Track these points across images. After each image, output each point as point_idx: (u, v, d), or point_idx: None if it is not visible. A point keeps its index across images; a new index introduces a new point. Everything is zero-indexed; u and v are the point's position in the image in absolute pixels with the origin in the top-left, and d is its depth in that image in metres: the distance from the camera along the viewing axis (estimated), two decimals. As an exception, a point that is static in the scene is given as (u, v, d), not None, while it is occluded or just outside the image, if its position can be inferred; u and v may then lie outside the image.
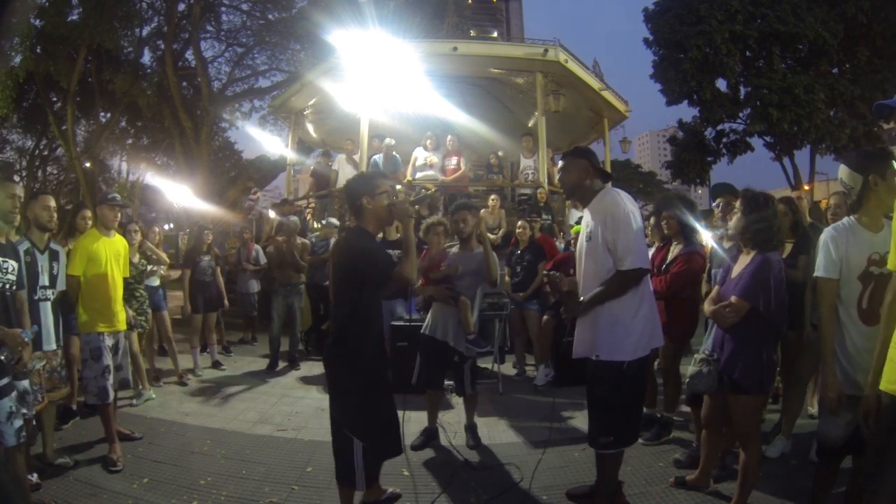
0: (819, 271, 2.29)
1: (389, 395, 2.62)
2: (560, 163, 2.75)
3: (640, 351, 2.48)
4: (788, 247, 3.61)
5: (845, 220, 2.33)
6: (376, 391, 2.54)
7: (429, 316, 3.77)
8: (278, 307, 6.08)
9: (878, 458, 1.80)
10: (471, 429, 3.78)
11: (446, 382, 4.03)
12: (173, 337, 5.61)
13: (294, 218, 6.90)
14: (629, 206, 2.49)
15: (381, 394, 2.58)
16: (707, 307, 2.74)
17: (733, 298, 2.54)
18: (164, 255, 5.42)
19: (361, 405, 2.48)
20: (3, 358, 2.41)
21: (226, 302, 6.22)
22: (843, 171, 2.32)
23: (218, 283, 6.07)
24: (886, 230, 2.15)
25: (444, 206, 7.62)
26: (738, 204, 2.70)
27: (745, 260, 2.62)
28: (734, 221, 2.68)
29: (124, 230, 4.64)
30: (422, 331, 3.75)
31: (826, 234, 2.32)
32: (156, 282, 5.34)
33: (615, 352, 2.45)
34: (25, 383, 2.63)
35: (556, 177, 2.81)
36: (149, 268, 5.08)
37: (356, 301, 2.44)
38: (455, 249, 3.93)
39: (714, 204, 3.93)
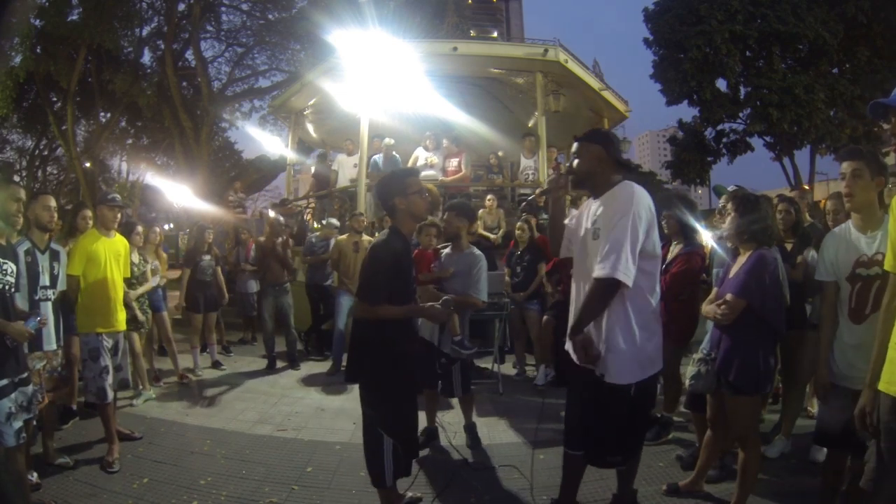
0: (816, 273, 2.46)
1: (415, 394, 2.62)
2: (574, 145, 2.46)
3: (649, 370, 2.29)
4: (789, 247, 3.61)
5: (845, 223, 2.41)
6: (406, 388, 2.53)
7: None
8: (268, 307, 6.08)
9: (876, 459, 1.80)
10: (469, 428, 3.78)
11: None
12: (173, 337, 5.61)
13: (279, 217, 6.91)
14: (642, 210, 2.18)
15: (410, 391, 2.58)
16: (704, 307, 2.74)
17: (729, 296, 2.55)
18: (148, 273, 5.08)
19: (392, 401, 2.47)
20: (7, 342, 2.45)
21: (224, 299, 6.17)
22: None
23: (218, 282, 6.07)
24: (880, 230, 2.20)
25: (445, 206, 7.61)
26: (729, 205, 2.69)
27: (742, 259, 2.64)
28: (729, 222, 2.67)
29: (128, 232, 4.62)
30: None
31: (825, 238, 2.48)
32: (155, 282, 5.33)
33: (626, 373, 2.23)
34: (31, 388, 2.63)
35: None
36: (149, 268, 5.09)
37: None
38: (448, 250, 3.93)
39: (720, 203, 3.94)
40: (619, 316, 2.22)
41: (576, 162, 2.40)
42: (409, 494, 2.90)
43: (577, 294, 2.42)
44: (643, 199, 2.21)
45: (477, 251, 3.83)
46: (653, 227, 2.23)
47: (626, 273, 2.10)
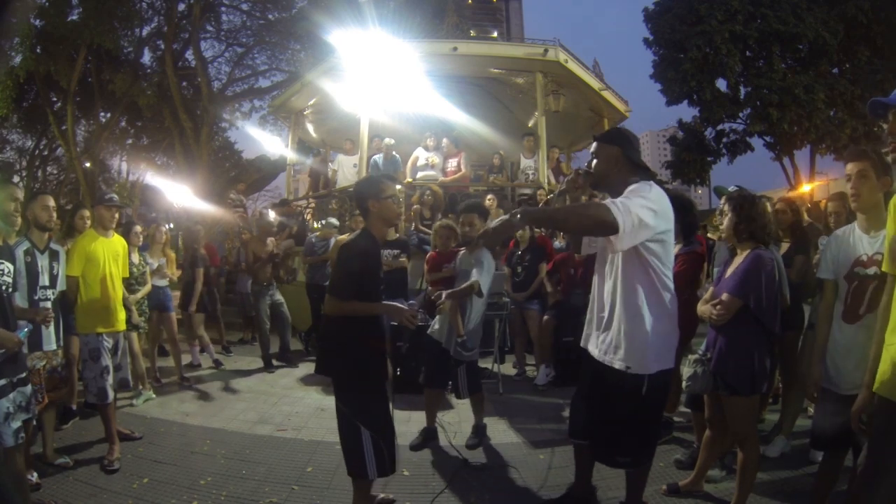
0: (818, 271, 2.46)
1: (383, 388, 2.65)
2: (593, 145, 2.45)
3: (661, 364, 2.26)
4: (785, 247, 3.62)
5: (851, 223, 2.40)
6: (375, 381, 2.58)
7: (438, 317, 3.78)
8: (264, 307, 6.09)
9: (873, 460, 1.80)
10: (476, 428, 3.79)
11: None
12: (178, 338, 5.60)
13: (268, 218, 6.93)
14: (651, 195, 2.11)
15: (379, 385, 2.62)
16: (700, 307, 2.74)
17: (724, 296, 2.56)
18: (147, 274, 5.03)
19: (365, 394, 2.53)
20: None
21: (191, 307, 5.89)
22: None
23: (196, 285, 5.90)
24: (883, 231, 2.17)
25: (445, 206, 7.60)
26: (726, 207, 2.69)
27: (738, 259, 2.64)
28: (726, 223, 2.67)
29: (126, 232, 4.62)
30: (428, 331, 3.78)
31: (830, 237, 2.49)
32: (163, 282, 5.33)
33: (643, 363, 2.22)
34: (29, 388, 2.63)
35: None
36: (155, 266, 5.10)
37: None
38: (463, 252, 3.92)
39: (720, 204, 3.94)
40: (638, 307, 2.21)
41: (594, 162, 2.39)
42: (382, 496, 2.91)
43: (600, 291, 2.40)
44: (659, 195, 2.16)
45: (486, 249, 3.78)
46: (667, 221, 2.16)
47: (625, 227, 1.98)
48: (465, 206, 3.92)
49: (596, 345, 2.38)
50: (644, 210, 2.05)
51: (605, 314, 2.33)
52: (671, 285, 2.29)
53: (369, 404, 2.53)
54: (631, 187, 2.17)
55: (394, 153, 8.50)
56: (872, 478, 1.79)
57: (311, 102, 10.21)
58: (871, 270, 2.17)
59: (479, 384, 3.82)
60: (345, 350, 2.50)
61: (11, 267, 2.67)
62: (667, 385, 2.34)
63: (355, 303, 2.46)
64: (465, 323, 3.64)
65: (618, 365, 2.24)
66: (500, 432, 3.99)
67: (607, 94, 9.38)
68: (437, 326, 3.72)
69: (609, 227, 2.00)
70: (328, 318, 2.62)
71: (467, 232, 3.75)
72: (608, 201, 2.06)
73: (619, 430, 2.32)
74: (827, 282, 2.39)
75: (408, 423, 4.00)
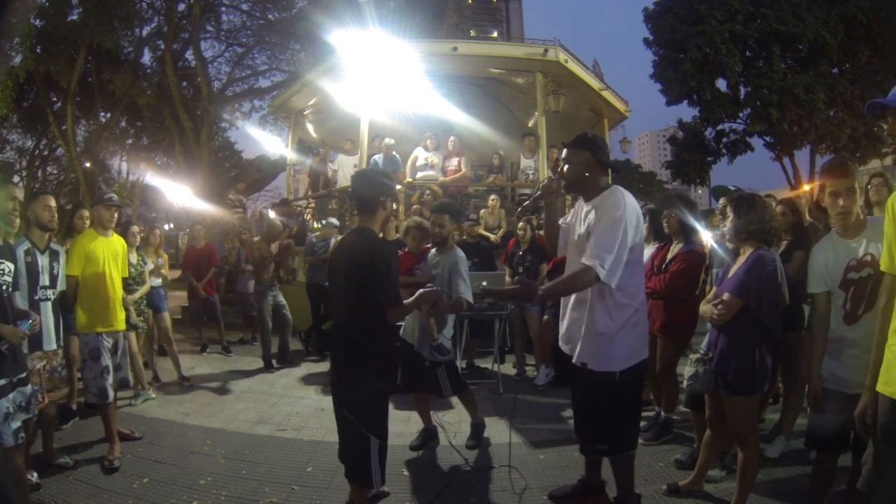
0: (808, 286, 2.45)
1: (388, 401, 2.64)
2: (563, 151, 2.54)
3: (629, 361, 2.37)
4: (783, 246, 3.62)
5: (828, 233, 2.44)
6: (387, 390, 2.57)
7: (407, 318, 3.67)
8: (266, 307, 6.10)
9: (875, 460, 1.80)
10: (475, 426, 3.76)
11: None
12: (173, 337, 5.61)
13: (276, 219, 6.94)
14: (628, 215, 2.27)
15: (388, 394, 2.61)
16: (702, 306, 2.74)
17: (726, 296, 2.56)
18: (146, 274, 5.02)
19: (383, 404, 2.53)
20: (3, 349, 2.44)
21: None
22: None
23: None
24: (863, 235, 2.25)
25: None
26: (728, 209, 2.69)
27: (741, 259, 2.64)
28: (729, 224, 2.68)
29: (123, 231, 4.62)
30: (401, 333, 3.70)
31: (812, 251, 2.49)
32: (157, 282, 5.33)
33: (604, 362, 2.36)
34: (29, 388, 2.63)
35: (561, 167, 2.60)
36: (148, 268, 5.09)
37: (367, 301, 2.38)
38: (434, 251, 3.88)
39: (719, 205, 3.94)
40: (603, 307, 2.34)
41: (566, 167, 2.48)
42: (373, 490, 2.85)
43: None
44: (632, 204, 2.33)
45: (459, 250, 3.77)
46: (640, 228, 2.36)
47: (612, 275, 2.21)
48: (436, 206, 3.90)
49: (566, 340, 2.54)
50: (621, 238, 2.23)
51: (569, 311, 2.52)
52: (638, 280, 2.42)
53: (380, 413, 2.51)
54: (607, 210, 2.30)
55: (394, 153, 8.50)
56: (876, 477, 1.79)
57: (311, 102, 10.22)
58: (865, 272, 2.19)
59: (463, 383, 3.75)
60: (370, 361, 2.43)
61: (12, 266, 2.67)
62: (640, 377, 2.46)
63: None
64: (440, 323, 3.55)
65: (580, 362, 2.41)
66: (501, 432, 3.99)
67: (607, 94, 9.38)
68: (409, 328, 3.62)
69: (595, 281, 2.25)
70: (353, 329, 2.47)
71: (438, 232, 3.72)
72: (592, 264, 2.21)
73: (594, 420, 2.46)
74: (819, 295, 2.37)
75: (408, 424, 4.00)
